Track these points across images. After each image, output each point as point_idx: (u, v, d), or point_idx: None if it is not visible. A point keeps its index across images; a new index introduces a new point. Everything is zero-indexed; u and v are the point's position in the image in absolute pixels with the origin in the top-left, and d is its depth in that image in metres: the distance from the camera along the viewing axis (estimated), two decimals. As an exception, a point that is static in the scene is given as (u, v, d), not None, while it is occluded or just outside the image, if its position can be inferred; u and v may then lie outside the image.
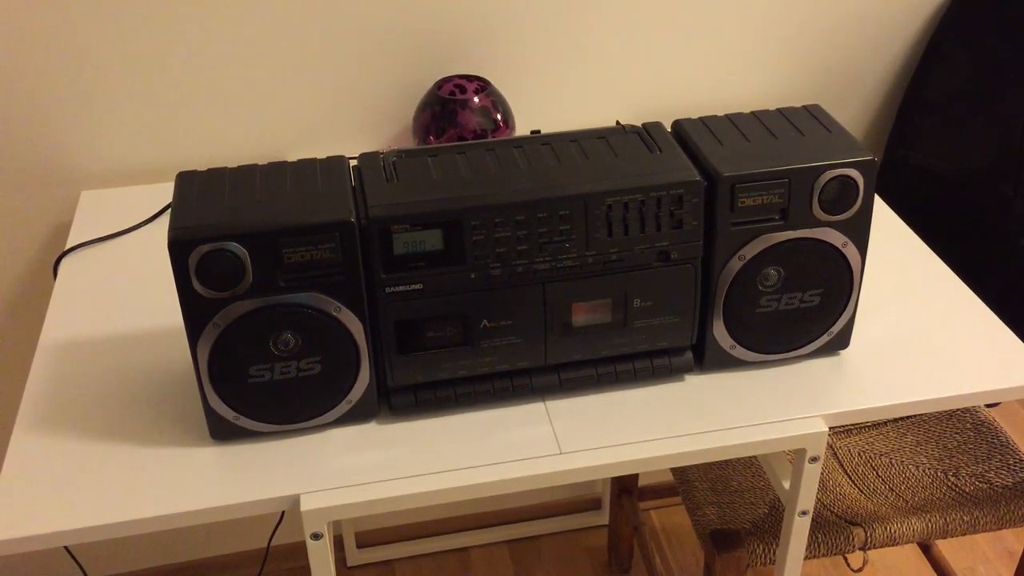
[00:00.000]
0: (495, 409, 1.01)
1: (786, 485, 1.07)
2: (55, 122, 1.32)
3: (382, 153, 0.98)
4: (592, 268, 0.96)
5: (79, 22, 1.27)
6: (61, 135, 1.33)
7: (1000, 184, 1.42)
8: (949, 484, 1.31)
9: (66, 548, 1.10)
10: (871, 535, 1.23)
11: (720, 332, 1.02)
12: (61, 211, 1.38)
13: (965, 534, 1.25)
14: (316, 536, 0.93)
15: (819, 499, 1.29)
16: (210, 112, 1.36)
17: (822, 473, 1.34)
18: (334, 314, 0.92)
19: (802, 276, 1.00)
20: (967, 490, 1.29)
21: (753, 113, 1.04)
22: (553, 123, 1.45)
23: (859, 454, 1.37)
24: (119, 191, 1.37)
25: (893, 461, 1.36)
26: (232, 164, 1.39)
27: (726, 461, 1.35)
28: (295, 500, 0.92)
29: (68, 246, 1.26)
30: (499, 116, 1.31)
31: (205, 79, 1.34)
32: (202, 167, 1.40)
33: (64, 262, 1.24)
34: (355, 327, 0.93)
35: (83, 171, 1.36)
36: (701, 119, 1.03)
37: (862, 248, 1.00)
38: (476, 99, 1.30)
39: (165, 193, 1.34)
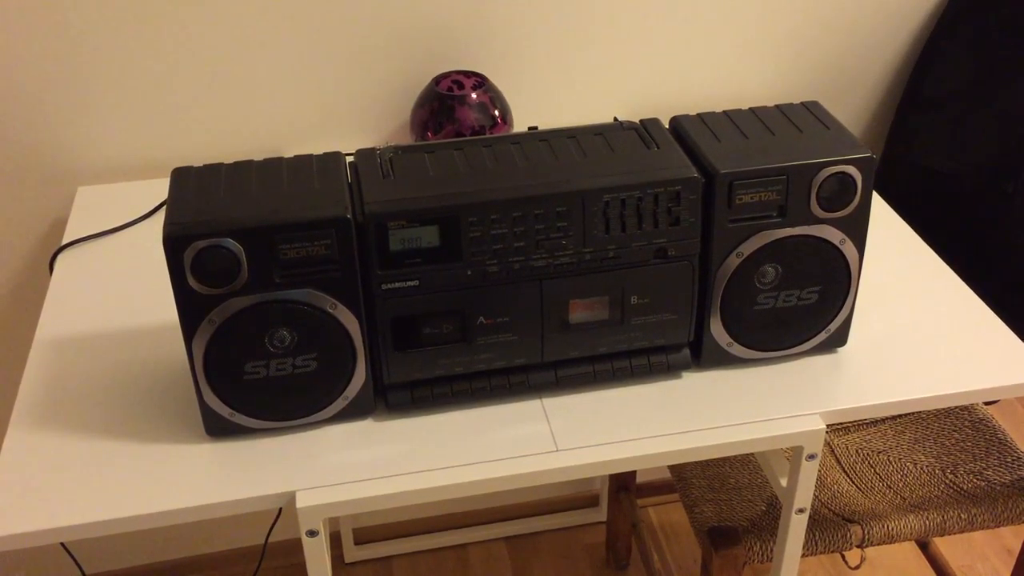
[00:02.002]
0: (491, 406, 1.01)
1: (783, 483, 1.07)
2: (52, 118, 1.32)
3: (379, 149, 0.98)
4: (589, 265, 0.96)
5: (75, 19, 1.26)
6: (58, 131, 1.33)
7: (999, 181, 1.41)
8: (947, 482, 1.30)
9: (62, 544, 1.10)
10: (868, 533, 1.22)
11: (717, 329, 1.02)
12: (57, 207, 1.37)
13: (963, 532, 1.25)
14: (312, 533, 0.93)
15: (817, 496, 1.29)
16: (207, 108, 1.36)
17: (820, 470, 1.34)
18: (330, 311, 0.92)
19: (800, 273, 1.00)
20: (965, 488, 1.29)
21: (751, 110, 1.04)
22: (551, 119, 1.45)
23: (857, 452, 1.37)
24: (116, 187, 1.37)
25: (891, 458, 1.35)
26: (228, 160, 1.38)
27: (723, 458, 1.35)
28: (291, 497, 0.92)
29: (64, 242, 1.26)
30: (497, 112, 1.31)
31: (201, 75, 1.33)
32: (198, 163, 1.39)
33: (60, 258, 1.24)
34: (351, 324, 0.93)
35: (80, 167, 1.36)
36: (699, 116, 1.03)
37: (860, 245, 1.00)
38: (474, 95, 1.30)
39: (161, 189, 1.34)
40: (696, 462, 1.34)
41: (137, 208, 1.32)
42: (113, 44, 1.29)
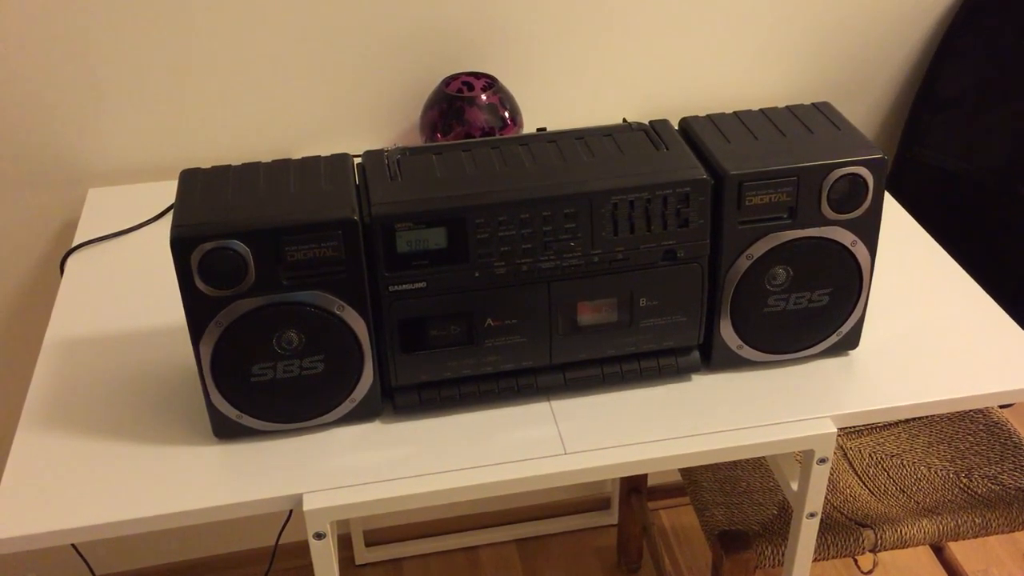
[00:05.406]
0: (499, 409, 1.00)
1: (794, 486, 1.06)
2: (63, 120, 1.32)
3: (386, 151, 0.98)
4: (598, 267, 0.96)
5: (86, 21, 1.27)
6: (69, 133, 1.33)
7: (1014, 182, 1.40)
8: (961, 486, 1.29)
9: (72, 545, 1.10)
10: (881, 537, 1.21)
11: (727, 332, 1.01)
12: (69, 208, 1.38)
13: (977, 536, 1.24)
14: (319, 536, 0.93)
15: (829, 500, 1.28)
16: (216, 110, 1.36)
17: (832, 474, 1.33)
18: (337, 313, 0.91)
19: (811, 275, 0.99)
20: (979, 492, 1.28)
21: (762, 111, 1.03)
22: (561, 120, 1.44)
23: (870, 455, 1.36)
24: (126, 189, 1.37)
25: (904, 462, 1.34)
26: (239, 162, 1.39)
27: (734, 462, 1.34)
28: (298, 500, 0.92)
29: (75, 243, 1.26)
30: (507, 113, 1.30)
31: (211, 77, 1.33)
32: (209, 164, 1.39)
33: (71, 259, 1.24)
34: (358, 326, 0.93)
35: (91, 169, 1.36)
36: (709, 117, 1.02)
37: (872, 247, 0.99)
38: (484, 96, 1.30)
39: (172, 191, 1.34)
40: (707, 465, 1.34)
41: (148, 210, 1.32)
42: (123, 47, 1.29)
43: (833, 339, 1.04)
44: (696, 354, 1.03)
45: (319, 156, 0.97)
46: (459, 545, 1.81)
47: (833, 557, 1.21)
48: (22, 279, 1.42)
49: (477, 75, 1.35)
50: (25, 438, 0.98)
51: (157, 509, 0.91)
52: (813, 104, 1.04)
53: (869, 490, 1.31)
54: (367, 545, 1.79)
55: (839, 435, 1.38)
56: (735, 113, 1.03)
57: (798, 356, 1.05)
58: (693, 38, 1.42)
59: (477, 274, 0.93)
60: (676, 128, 1.02)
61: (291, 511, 0.93)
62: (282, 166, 0.95)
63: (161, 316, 1.13)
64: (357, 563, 1.78)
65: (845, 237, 0.98)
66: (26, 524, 0.89)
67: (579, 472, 0.95)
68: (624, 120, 1.04)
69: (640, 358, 1.01)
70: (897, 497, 1.29)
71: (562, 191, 0.92)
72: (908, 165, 1.51)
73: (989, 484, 1.29)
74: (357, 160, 0.98)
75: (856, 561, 1.27)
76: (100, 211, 1.32)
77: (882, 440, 1.38)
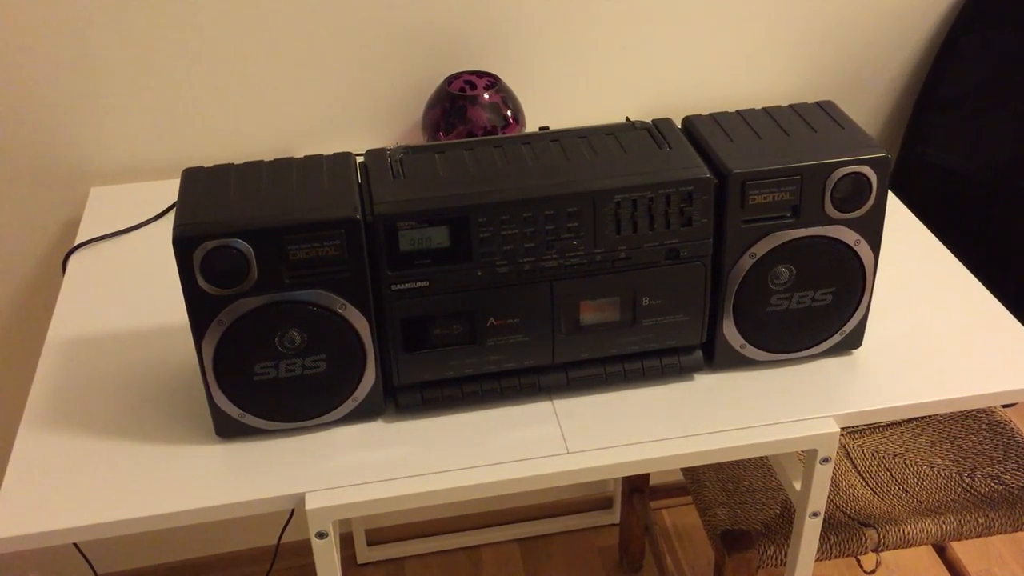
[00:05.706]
0: (502, 408, 1.00)
1: (797, 486, 1.06)
2: (66, 119, 1.32)
3: (389, 150, 0.98)
4: (600, 266, 0.95)
5: (89, 20, 1.27)
6: (71, 132, 1.33)
7: (1018, 181, 1.40)
8: (964, 485, 1.29)
9: (75, 544, 1.10)
10: (884, 537, 1.21)
11: (730, 331, 1.01)
12: (71, 207, 1.38)
13: (980, 536, 1.24)
14: (321, 535, 0.92)
15: (832, 500, 1.28)
16: (218, 109, 1.36)
17: (835, 474, 1.32)
18: (340, 311, 0.91)
19: (814, 274, 0.99)
20: (982, 491, 1.27)
21: (765, 110, 1.03)
22: (563, 119, 1.44)
23: (872, 454, 1.36)
24: (128, 187, 1.37)
25: (907, 462, 1.34)
26: (241, 160, 1.38)
27: (737, 461, 1.34)
28: (300, 499, 0.92)
29: (77, 242, 1.26)
30: (509, 112, 1.30)
31: (214, 76, 1.33)
32: (211, 164, 1.39)
33: (73, 258, 1.24)
34: (361, 325, 0.93)
35: (93, 168, 1.36)
36: (712, 115, 1.02)
37: (875, 246, 0.99)
38: (486, 95, 1.29)
39: (174, 190, 1.34)
40: (709, 465, 1.33)
41: (150, 209, 1.32)
42: (126, 46, 1.29)
43: (836, 338, 1.04)
44: (699, 353, 1.03)
45: (321, 155, 0.97)
46: (461, 544, 1.81)
47: (836, 557, 1.21)
48: (24, 278, 1.42)
49: (479, 74, 1.35)
50: (27, 437, 0.98)
51: (159, 508, 0.90)
52: (816, 103, 1.04)
53: (872, 490, 1.31)
54: (369, 544, 1.79)
55: (842, 434, 1.38)
56: (738, 112, 1.03)
57: (801, 355, 1.04)
58: (696, 37, 1.42)
59: (479, 273, 0.93)
60: (679, 127, 1.02)
61: (293, 510, 0.93)
62: (284, 165, 0.95)
63: (163, 315, 1.13)
64: (359, 562, 1.78)
65: (848, 236, 0.98)
66: (28, 523, 0.89)
67: (581, 471, 0.94)
68: (627, 119, 1.04)
69: (643, 357, 1.01)
70: (900, 497, 1.29)
71: (565, 190, 0.92)
72: (911, 164, 1.51)
73: (992, 484, 1.28)
74: (359, 159, 0.98)
75: (859, 561, 1.26)
76: (102, 210, 1.32)
77: (885, 440, 1.38)
